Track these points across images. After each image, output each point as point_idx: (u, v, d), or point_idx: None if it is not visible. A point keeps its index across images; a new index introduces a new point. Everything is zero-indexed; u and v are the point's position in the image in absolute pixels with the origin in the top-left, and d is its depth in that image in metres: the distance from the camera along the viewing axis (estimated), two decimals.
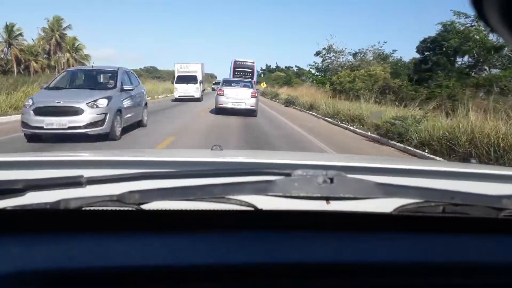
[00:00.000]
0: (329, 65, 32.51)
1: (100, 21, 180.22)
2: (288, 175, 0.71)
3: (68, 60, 41.06)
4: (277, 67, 78.05)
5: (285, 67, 74.37)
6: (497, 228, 0.80)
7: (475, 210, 0.78)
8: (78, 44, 44.52)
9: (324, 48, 31.93)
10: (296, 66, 70.78)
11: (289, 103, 24.82)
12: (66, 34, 43.54)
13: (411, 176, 1.14)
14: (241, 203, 0.75)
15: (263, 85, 46.43)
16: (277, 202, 0.72)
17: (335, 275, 0.68)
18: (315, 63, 35.24)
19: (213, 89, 43.97)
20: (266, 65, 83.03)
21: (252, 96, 14.94)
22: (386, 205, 0.78)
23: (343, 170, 0.73)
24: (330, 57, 31.98)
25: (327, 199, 0.73)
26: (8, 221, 0.70)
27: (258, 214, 0.78)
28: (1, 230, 0.68)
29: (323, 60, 33.02)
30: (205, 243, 0.71)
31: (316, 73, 36.19)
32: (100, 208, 0.72)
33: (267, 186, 0.68)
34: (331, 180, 0.69)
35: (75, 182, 0.73)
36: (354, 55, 30.47)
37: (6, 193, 0.72)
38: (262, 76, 79.07)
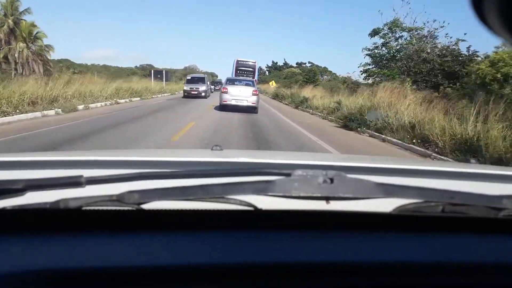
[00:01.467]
0: (400, 50, 19.69)
1: (102, 22, 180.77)
2: (288, 175, 0.71)
3: (22, 51, 29.79)
4: (285, 64, 69.98)
5: (297, 63, 64.92)
6: (496, 228, 0.80)
7: (474, 210, 0.78)
8: (37, 32, 32.36)
9: (386, 24, 20.01)
10: (309, 62, 62.04)
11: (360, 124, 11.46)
12: (25, 20, 31.84)
13: (411, 176, 1.14)
14: (241, 203, 0.75)
15: (272, 84, 40.35)
16: (277, 202, 0.72)
17: (335, 275, 0.68)
18: (375, 45, 21.09)
19: (186, 95, 25.47)
20: (273, 61, 75.51)
21: (253, 94, 15.97)
22: (386, 205, 0.78)
23: (343, 170, 0.73)
24: (397, 38, 20.04)
25: (327, 199, 0.73)
26: (8, 221, 0.70)
27: (258, 214, 0.78)
28: (1, 230, 0.68)
29: (384, 44, 20.49)
30: (205, 242, 0.71)
31: (372, 66, 21.58)
32: (100, 208, 0.72)
33: (267, 186, 0.68)
34: (331, 180, 0.69)
35: (75, 182, 0.73)
36: (410, 31, 19.54)
37: (6, 193, 0.72)
38: (268, 74, 71.16)
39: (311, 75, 42.17)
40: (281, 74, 58.32)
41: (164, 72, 35.90)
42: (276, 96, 33.02)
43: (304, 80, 39.19)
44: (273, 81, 42.18)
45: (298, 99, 23.36)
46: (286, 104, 25.42)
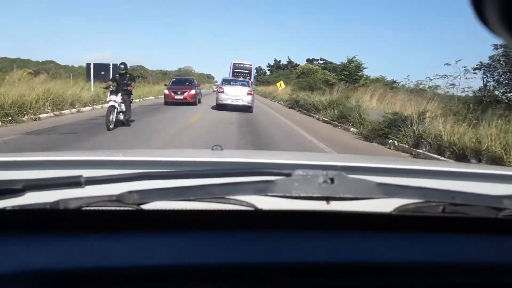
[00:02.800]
0: None
1: (101, 25, 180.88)
2: (289, 175, 0.71)
3: None
4: (290, 61, 62.23)
5: (308, 59, 53.50)
6: (497, 228, 0.80)
7: (475, 210, 0.78)
8: None
9: None
10: (321, 59, 51.64)
11: None
12: None
13: (411, 176, 1.14)
14: (241, 203, 0.75)
15: (281, 85, 31.46)
16: (277, 202, 0.72)
17: (335, 275, 0.68)
18: None
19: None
20: (275, 60, 66.97)
21: (248, 94, 16.75)
22: (386, 205, 0.78)
23: (343, 170, 0.73)
24: None
25: (327, 199, 0.73)
26: (7, 221, 0.70)
27: (258, 214, 0.78)
28: (1, 230, 0.68)
29: None
30: (205, 243, 0.70)
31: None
32: (100, 208, 0.71)
33: (267, 186, 0.68)
34: (332, 180, 0.69)
35: (74, 182, 0.73)
36: None
37: (6, 193, 0.72)
38: (269, 74, 63.97)
39: (351, 70, 25.32)
40: (287, 73, 50.17)
41: (111, 66, 17.91)
42: (296, 104, 20.60)
43: (342, 79, 24.72)
44: (281, 82, 31.58)
45: (367, 118, 11.40)
46: (331, 124, 13.76)
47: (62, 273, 0.61)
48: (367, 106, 13.04)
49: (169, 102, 18.11)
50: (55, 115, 12.26)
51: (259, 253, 0.70)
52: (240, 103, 16.45)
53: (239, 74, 31.17)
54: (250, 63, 34.19)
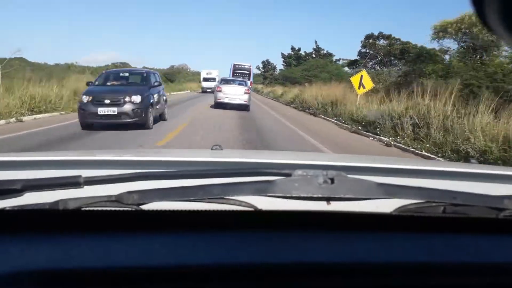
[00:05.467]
0: None
1: (102, 27, 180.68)
2: (288, 175, 0.71)
3: None
4: (318, 49, 46.20)
5: (368, 37, 29.91)
6: (497, 228, 0.80)
7: (475, 211, 0.78)
8: None
9: None
10: (382, 36, 29.15)
11: None
12: None
13: (412, 176, 1.14)
14: (240, 203, 0.75)
15: (362, 85, 13.96)
16: (277, 203, 0.72)
17: (335, 275, 0.68)
18: None
19: None
20: (292, 48, 50.18)
21: (245, 93, 17.45)
22: (386, 205, 0.78)
23: (343, 170, 0.73)
24: None
25: (328, 199, 0.73)
26: (7, 221, 0.70)
27: (257, 215, 0.78)
28: (1, 230, 0.68)
29: None
30: (204, 243, 0.70)
31: None
32: (99, 208, 0.71)
33: (267, 187, 0.68)
34: (332, 180, 0.69)
35: (74, 183, 0.73)
36: None
37: (5, 193, 0.72)
38: (284, 68, 49.56)
39: None
40: (320, 63, 35.74)
41: None
42: None
43: None
44: (363, 73, 14.75)
45: None
46: None
47: (61, 273, 0.61)
48: None
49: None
50: None
51: (259, 253, 0.69)
52: (237, 101, 17.02)
53: (239, 74, 33.57)
54: (249, 64, 37.33)
